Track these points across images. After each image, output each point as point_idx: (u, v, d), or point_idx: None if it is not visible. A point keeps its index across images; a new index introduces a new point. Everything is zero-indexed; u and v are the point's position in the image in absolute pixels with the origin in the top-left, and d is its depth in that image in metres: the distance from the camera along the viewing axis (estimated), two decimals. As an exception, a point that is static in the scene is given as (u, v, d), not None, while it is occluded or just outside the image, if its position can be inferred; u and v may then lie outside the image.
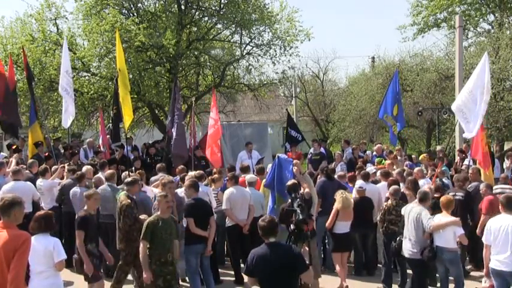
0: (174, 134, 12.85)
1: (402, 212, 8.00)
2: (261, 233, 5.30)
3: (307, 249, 7.46)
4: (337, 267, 8.92)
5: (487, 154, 10.79)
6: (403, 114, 15.71)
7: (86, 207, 7.58)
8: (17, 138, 14.85)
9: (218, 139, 12.82)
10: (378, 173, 10.96)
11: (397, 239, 8.04)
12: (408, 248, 7.68)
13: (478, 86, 10.43)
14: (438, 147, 17.05)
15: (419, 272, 7.79)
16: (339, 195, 8.83)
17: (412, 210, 7.71)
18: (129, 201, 8.02)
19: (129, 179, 8.52)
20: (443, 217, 7.58)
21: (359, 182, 9.83)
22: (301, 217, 6.69)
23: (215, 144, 12.57)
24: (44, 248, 5.88)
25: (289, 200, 7.95)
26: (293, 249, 5.51)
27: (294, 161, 9.17)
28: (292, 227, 6.70)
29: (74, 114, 13.97)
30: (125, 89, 11.34)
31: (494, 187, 9.61)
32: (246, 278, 9.01)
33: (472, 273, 9.61)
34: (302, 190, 8.43)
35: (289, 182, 7.96)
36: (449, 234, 7.50)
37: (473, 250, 9.72)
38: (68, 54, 13.92)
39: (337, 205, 8.79)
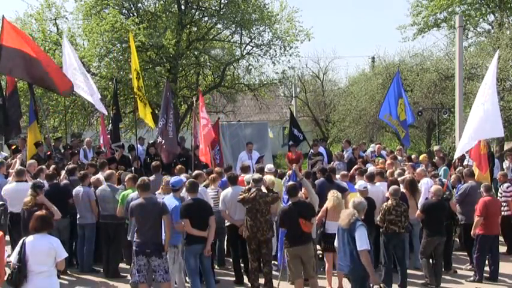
0: (171, 132, 12.88)
1: None
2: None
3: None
4: (327, 266, 8.90)
5: (485, 156, 10.75)
6: (410, 112, 15.60)
7: None
8: (6, 140, 14.73)
9: (211, 139, 12.88)
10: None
11: None
12: None
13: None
14: (436, 147, 17.04)
15: None
16: (330, 195, 8.81)
17: None
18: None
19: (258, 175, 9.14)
20: None
21: (362, 183, 9.80)
22: None
23: (207, 144, 12.67)
24: (48, 248, 5.84)
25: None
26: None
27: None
28: None
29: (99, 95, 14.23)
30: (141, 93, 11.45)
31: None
32: (246, 279, 9.09)
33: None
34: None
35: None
36: None
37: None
38: (68, 51, 13.78)
39: (327, 204, 8.78)
